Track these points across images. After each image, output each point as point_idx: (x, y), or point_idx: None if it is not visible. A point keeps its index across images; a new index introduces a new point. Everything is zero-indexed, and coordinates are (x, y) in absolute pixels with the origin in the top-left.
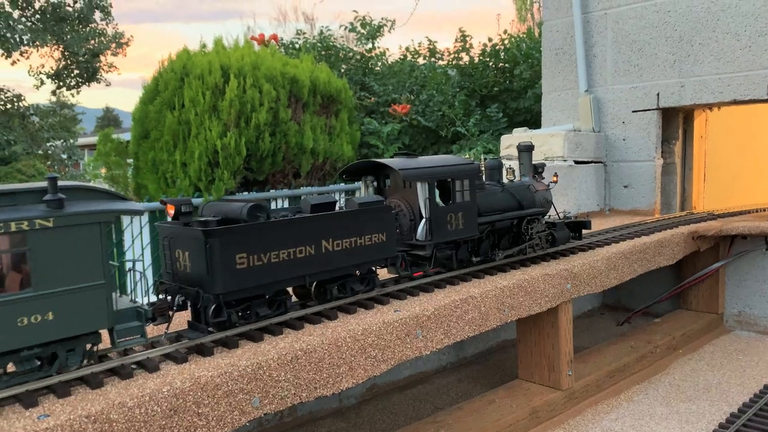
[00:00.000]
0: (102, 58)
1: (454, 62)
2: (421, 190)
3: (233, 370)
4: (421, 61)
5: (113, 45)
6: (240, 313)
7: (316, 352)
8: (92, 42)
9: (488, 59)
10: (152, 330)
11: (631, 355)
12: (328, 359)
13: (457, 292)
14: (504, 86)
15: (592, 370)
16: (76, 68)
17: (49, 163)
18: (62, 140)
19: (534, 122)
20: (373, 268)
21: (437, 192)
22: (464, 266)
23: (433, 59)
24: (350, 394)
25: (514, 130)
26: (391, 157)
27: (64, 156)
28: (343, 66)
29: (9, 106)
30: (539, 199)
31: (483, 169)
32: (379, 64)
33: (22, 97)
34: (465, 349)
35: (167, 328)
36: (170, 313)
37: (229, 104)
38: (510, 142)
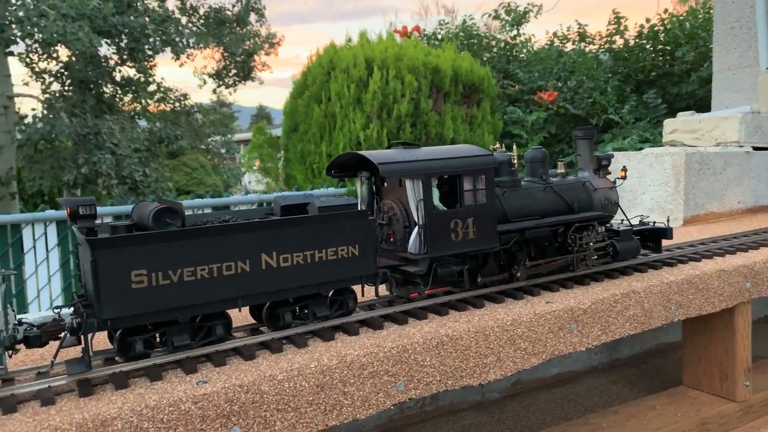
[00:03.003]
0: (256, 57)
1: (606, 46)
2: (412, 190)
3: (378, 351)
4: (569, 46)
5: (266, 45)
6: (146, 342)
7: (462, 340)
8: (248, 43)
9: (645, 42)
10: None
11: None
12: (474, 347)
13: (616, 285)
14: (663, 70)
15: None
16: (234, 68)
17: (209, 156)
18: (221, 136)
19: (698, 108)
20: (352, 288)
21: (436, 192)
22: (485, 286)
23: (582, 44)
24: (493, 388)
25: (679, 114)
26: (387, 148)
27: (223, 150)
28: (486, 54)
29: (176, 104)
30: (599, 199)
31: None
32: (524, 51)
33: (188, 96)
34: (619, 350)
35: (54, 357)
36: (63, 335)
37: (372, 96)
38: (674, 127)
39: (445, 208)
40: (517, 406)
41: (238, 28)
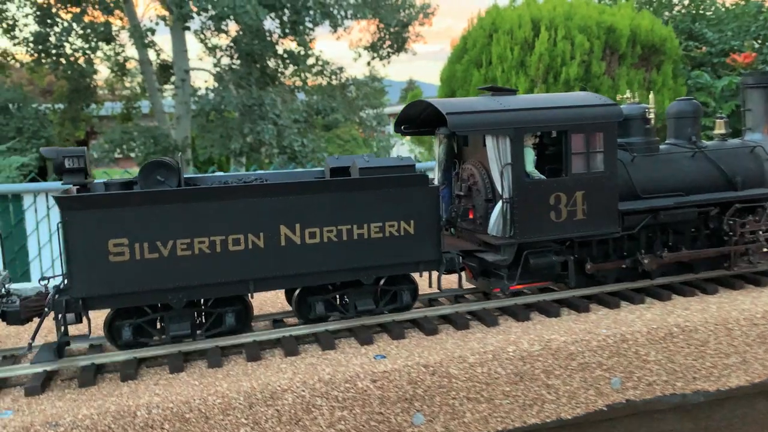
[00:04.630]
0: (410, 28)
1: None
2: (495, 150)
3: (591, 339)
4: None
5: (420, 15)
6: (137, 329)
7: (698, 333)
8: (403, 13)
9: None
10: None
11: None
12: (713, 344)
13: None
14: None
15: None
16: (388, 39)
17: (361, 129)
18: (374, 109)
19: None
20: (410, 277)
21: (532, 155)
22: (596, 281)
23: None
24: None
25: None
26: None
27: (375, 123)
28: (666, 13)
29: (332, 77)
30: None
31: (651, 114)
32: (713, 7)
33: (344, 69)
34: None
35: (32, 338)
36: (44, 312)
37: (537, 58)
38: None
39: (542, 177)
40: (729, 415)
41: None
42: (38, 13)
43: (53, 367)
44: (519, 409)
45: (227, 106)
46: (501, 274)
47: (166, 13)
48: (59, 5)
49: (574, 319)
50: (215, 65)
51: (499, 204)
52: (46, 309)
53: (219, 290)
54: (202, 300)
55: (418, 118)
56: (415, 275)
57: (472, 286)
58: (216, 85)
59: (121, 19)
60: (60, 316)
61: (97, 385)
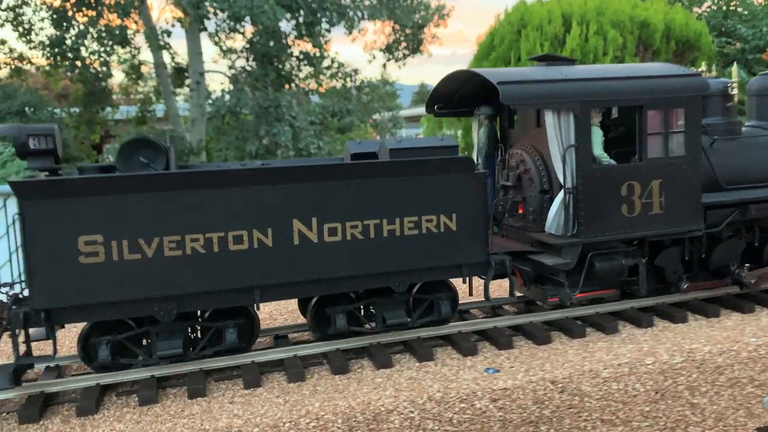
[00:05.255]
0: (426, 30)
1: None
2: (557, 128)
3: (739, 349)
4: None
5: (436, 17)
6: (115, 347)
7: None
8: (418, 15)
9: None
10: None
11: None
12: None
13: None
14: None
15: None
16: (404, 40)
17: (375, 132)
18: (389, 111)
19: None
20: (448, 284)
21: (599, 135)
22: (665, 291)
23: None
24: None
25: None
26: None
27: (390, 125)
28: (696, 9)
29: (347, 79)
30: None
31: (733, 90)
32: (746, 2)
33: (359, 71)
34: None
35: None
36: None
37: (569, 54)
38: None
39: (613, 162)
40: None
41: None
42: (54, 16)
43: (4, 396)
44: None
45: (243, 108)
46: (560, 280)
47: (182, 15)
48: (75, 9)
49: (705, 325)
50: (230, 67)
51: (560, 195)
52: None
53: (217, 300)
54: (197, 312)
55: (455, 96)
56: (454, 281)
57: (520, 295)
58: (231, 87)
59: (136, 22)
60: (18, 331)
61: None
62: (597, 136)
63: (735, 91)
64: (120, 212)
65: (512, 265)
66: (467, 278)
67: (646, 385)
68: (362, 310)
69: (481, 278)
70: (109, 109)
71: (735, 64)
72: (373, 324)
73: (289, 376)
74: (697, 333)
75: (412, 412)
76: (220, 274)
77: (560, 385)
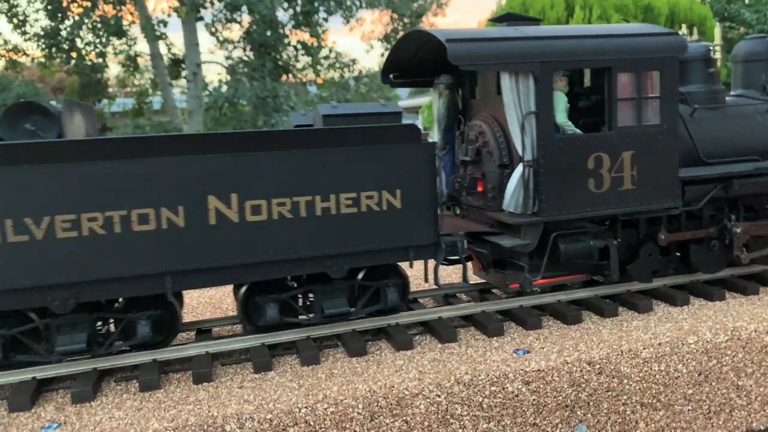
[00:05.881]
0: (424, 19)
1: None
2: (514, 92)
3: None
4: None
5: (434, 6)
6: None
7: None
8: (416, 4)
9: None
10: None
11: None
12: None
13: None
14: None
15: None
16: (402, 30)
17: None
18: (387, 100)
19: None
20: (397, 268)
21: (563, 101)
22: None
23: None
24: None
25: None
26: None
27: None
28: None
29: (346, 69)
30: None
31: (715, 55)
32: None
33: (357, 61)
34: None
35: None
36: None
37: None
38: None
39: (578, 132)
40: None
41: None
42: (49, 7)
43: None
44: (703, 418)
45: (241, 99)
46: (521, 264)
47: (178, 4)
48: (69, 0)
49: (746, 303)
50: (227, 58)
51: (519, 169)
52: None
53: (123, 289)
54: (104, 302)
55: (413, 63)
56: (406, 266)
57: (481, 281)
58: (229, 77)
59: (131, 13)
60: None
61: None
62: (561, 103)
63: (717, 55)
64: (1, 188)
65: (469, 247)
66: (425, 262)
67: (688, 366)
68: (301, 299)
69: (445, 263)
70: (105, 101)
71: (717, 24)
72: (311, 315)
73: (303, 358)
74: (738, 311)
75: (438, 396)
76: (124, 258)
77: (597, 366)
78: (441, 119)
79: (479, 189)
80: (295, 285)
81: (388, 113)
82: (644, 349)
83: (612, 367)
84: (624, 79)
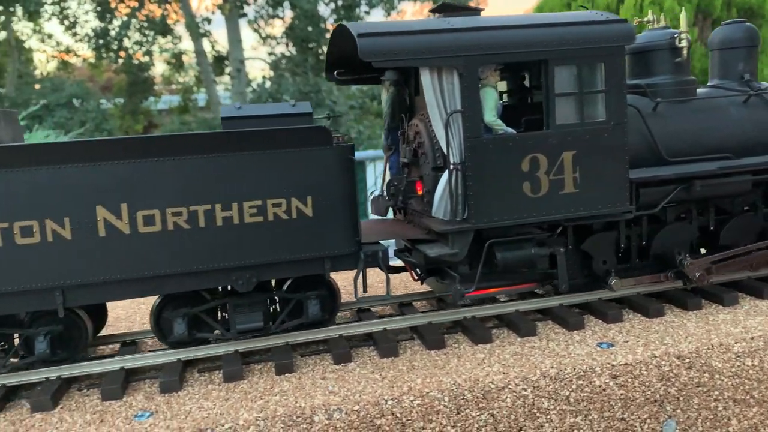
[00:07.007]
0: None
1: None
2: (436, 90)
3: None
4: None
5: None
6: None
7: None
8: None
9: None
10: None
11: None
12: None
13: None
14: None
15: None
16: None
17: None
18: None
19: None
20: (325, 280)
21: (493, 98)
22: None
23: None
24: None
25: None
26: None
27: None
28: None
29: None
30: None
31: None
32: None
33: None
34: None
35: None
36: None
37: None
38: None
39: (509, 130)
40: None
41: None
42: (98, 8)
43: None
44: None
45: (284, 94)
46: (453, 275)
47: (221, 2)
48: (117, 0)
49: None
50: (270, 54)
51: (446, 173)
52: None
53: (9, 304)
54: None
55: (355, 58)
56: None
57: (429, 290)
58: (272, 73)
59: (176, 12)
60: None
61: None
62: (490, 100)
63: (684, 43)
64: None
65: (399, 257)
66: (359, 274)
67: (754, 360)
68: (211, 315)
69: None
70: (152, 98)
71: (683, 10)
72: (227, 330)
73: (381, 351)
74: None
75: (525, 389)
76: (8, 272)
77: (687, 361)
78: (385, 118)
79: (419, 192)
80: (209, 298)
81: (296, 114)
82: (736, 343)
83: (702, 362)
84: (562, 72)
